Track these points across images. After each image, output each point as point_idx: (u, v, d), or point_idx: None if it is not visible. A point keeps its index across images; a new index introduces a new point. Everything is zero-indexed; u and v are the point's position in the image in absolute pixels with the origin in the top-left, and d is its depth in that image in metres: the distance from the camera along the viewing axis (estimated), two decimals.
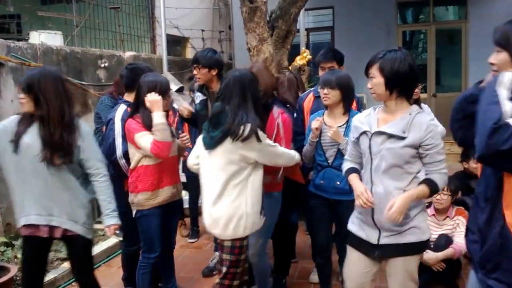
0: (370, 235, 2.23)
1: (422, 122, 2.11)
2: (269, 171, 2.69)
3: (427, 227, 2.28)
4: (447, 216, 3.56)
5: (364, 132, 2.22)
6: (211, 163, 2.50)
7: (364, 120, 2.26)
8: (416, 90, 3.66)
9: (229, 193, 2.44)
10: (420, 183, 2.14)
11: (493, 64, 1.77)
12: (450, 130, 2.03)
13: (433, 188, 2.14)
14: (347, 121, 2.84)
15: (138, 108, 2.80)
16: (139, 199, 2.84)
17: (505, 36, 1.71)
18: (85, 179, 2.60)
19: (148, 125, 2.73)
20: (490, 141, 1.49)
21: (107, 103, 4.18)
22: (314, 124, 2.86)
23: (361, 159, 2.32)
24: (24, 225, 2.50)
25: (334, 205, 2.89)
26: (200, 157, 2.60)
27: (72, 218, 2.52)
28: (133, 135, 2.76)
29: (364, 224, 2.26)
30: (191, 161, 2.71)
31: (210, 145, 2.47)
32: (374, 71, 2.14)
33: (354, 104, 3.16)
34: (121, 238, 2.98)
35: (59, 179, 2.48)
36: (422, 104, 3.79)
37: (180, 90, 6.20)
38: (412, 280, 2.26)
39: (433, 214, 3.60)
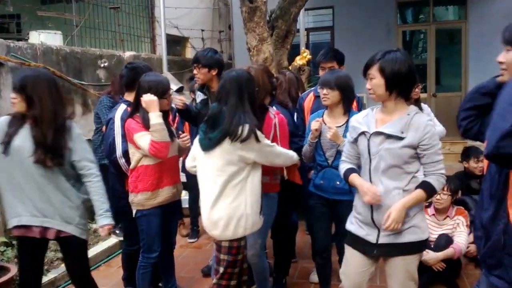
0: (369, 234, 2.24)
1: (420, 122, 2.12)
2: (267, 171, 2.68)
3: (426, 226, 2.28)
4: (447, 216, 3.57)
5: (363, 133, 2.22)
6: (208, 165, 2.49)
7: (362, 120, 2.26)
8: (416, 90, 3.68)
9: (228, 194, 2.43)
10: (417, 187, 2.15)
11: (502, 63, 1.77)
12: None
13: (430, 191, 2.15)
14: (347, 121, 2.84)
15: (138, 108, 2.80)
16: (139, 199, 2.84)
17: None
18: (77, 180, 2.60)
19: (147, 125, 2.73)
20: (500, 144, 1.47)
21: (106, 103, 4.18)
22: (314, 125, 2.86)
23: (358, 160, 2.33)
24: (16, 226, 2.50)
25: (333, 205, 2.89)
26: (196, 159, 2.60)
27: (65, 219, 2.51)
28: (132, 135, 2.76)
29: (363, 223, 2.26)
30: (189, 163, 2.70)
31: (208, 146, 2.46)
32: (374, 72, 2.14)
33: (355, 104, 3.16)
34: (121, 238, 2.98)
35: (50, 181, 2.47)
36: (422, 104, 3.80)
37: (180, 90, 6.20)
38: (412, 280, 2.26)
39: (433, 214, 3.60)
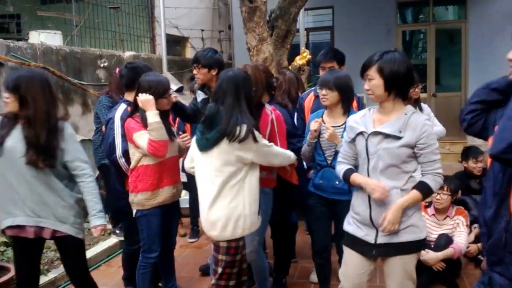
0: (367, 235, 2.24)
1: (418, 122, 2.13)
2: (264, 166, 2.67)
3: (424, 225, 2.29)
4: (447, 216, 3.57)
5: (361, 133, 2.23)
6: (206, 165, 2.48)
7: (360, 120, 2.26)
8: (416, 90, 3.68)
9: (226, 195, 2.43)
10: (413, 187, 2.15)
11: (511, 60, 1.77)
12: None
13: (426, 191, 2.15)
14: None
15: (138, 108, 2.80)
16: (139, 199, 2.84)
17: None
18: (71, 180, 2.59)
19: (147, 125, 2.72)
20: (506, 150, 1.47)
21: (105, 103, 4.18)
22: (313, 126, 2.86)
23: (355, 160, 2.32)
24: (9, 226, 2.49)
25: (333, 205, 2.89)
26: (194, 160, 2.60)
27: (60, 218, 2.51)
28: (132, 134, 2.76)
29: (361, 223, 2.26)
30: (188, 164, 2.70)
31: (206, 146, 2.46)
32: (373, 72, 2.14)
33: (355, 104, 3.16)
34: (121, 238, 2.98)
35: (42, 182, 2.47)
36: (423, 104, 3.80)
37: (180, 90, 6.21)
38: (410, 280, 2.26)
39: (433, 214, 3.60)
